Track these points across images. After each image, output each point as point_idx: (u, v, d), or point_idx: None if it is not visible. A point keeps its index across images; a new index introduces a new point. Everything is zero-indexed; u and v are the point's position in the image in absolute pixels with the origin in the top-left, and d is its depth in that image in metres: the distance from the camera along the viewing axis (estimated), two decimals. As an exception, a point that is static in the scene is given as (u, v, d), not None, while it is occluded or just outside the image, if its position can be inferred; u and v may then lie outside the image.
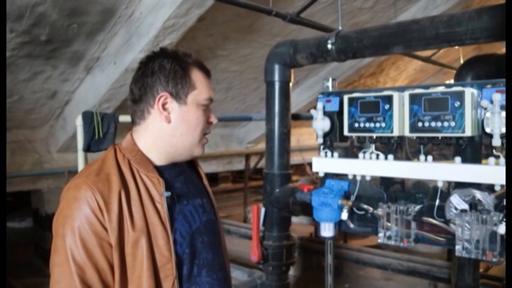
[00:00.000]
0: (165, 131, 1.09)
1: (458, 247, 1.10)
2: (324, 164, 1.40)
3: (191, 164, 1.28)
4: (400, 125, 1.19)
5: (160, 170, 1.10)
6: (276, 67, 2.43)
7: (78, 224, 0.97)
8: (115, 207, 0.99)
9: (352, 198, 1.34)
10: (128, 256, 1.00)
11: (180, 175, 1.16)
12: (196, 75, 1.11)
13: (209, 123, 1.15)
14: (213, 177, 8.83)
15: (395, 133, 1.19)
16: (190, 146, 1.12)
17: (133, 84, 1.12)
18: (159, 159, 1.11)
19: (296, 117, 3.24)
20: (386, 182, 1.31)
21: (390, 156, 1.25)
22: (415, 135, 1.18)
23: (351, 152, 1.41)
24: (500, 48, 6.15)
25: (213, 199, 1.27)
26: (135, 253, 0.99)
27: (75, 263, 0.95)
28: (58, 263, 0.97)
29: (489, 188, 1.11)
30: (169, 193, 1.05)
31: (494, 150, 1.09)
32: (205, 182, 1.28)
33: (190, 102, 1.09)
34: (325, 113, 1.40)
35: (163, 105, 1.08)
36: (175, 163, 1.15)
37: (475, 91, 1.11)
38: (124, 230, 0.99)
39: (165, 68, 1.08)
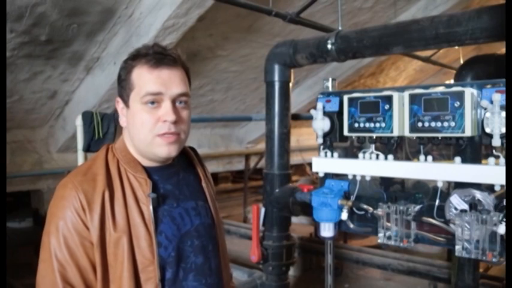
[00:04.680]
0: (128, 134, 1.11)
1: (458, 247, 1.10)
2: (324, 164, 1.40)
3: (190, 165, 1.25)
4: (400, 125, 1.19)
5: (149, 171, 1.09)
6: (276, 67, 2.43)
7: (61, 223, 0.99)
8: (97, 207, 1.00)
9: (352, 198, 1.34)
10: (110, 256, 1.00)
11: (173, 177, 1.14)
12: (138, 72, 1.05)
13: (161, 121, 1.03)
14: (213, 177, 8.77)
15: (395, 133, 1.19)
16: (146, 148, 1.07)
17: None
18: (144, 161, 1.10)
19: (296, 117, 3.24)
20: (386, 182, 1.31)
21: (390, 156, 1.25)
22: (415, 135, 1.18)
23: (350, 152, 1.41)
24: (500, 48, 6.15)
25: (211, 202, 1.23)
26: (117, 253, 1.00)
27: (57, 261, 0.98)
28: (43, 259, 1.00)
29: (489, 188, 1.11)
30: (155, 195, 1.04)
31: (494, 150, 1.09)
32: (204, 184, 1.23)
33: (132, 104, 1.06)
34: (325, 113, 1.40)
35: (121, 109, 1.11)
36: (169, 164, 1.13)
37: (475, 91, 1.11)
38: (105, 230, 1.00)
39: (119, 71, 1.11)
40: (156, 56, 1.05)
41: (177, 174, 1.16)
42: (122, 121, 1.11)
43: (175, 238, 1.07)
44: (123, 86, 1.08)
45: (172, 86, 1.04)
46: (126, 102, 1.08)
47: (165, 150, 1.05)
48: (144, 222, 1.02)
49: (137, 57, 1.07)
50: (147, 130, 1.03)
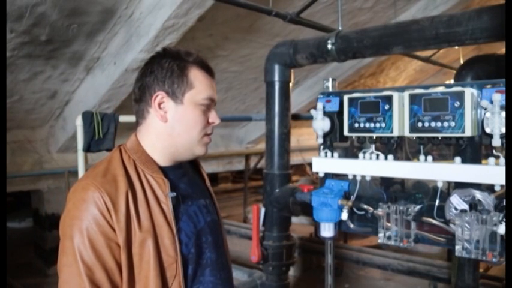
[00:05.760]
0: (164, 131, 1.10)
1: (458, 247, 1.10)
2: (324, 164, 1.40)
3: (194, 166, 1.29)
4: (400, 125, 1.19)
5: (165, 170, 1.11)
6: (276, 67, 2.43)
7: (86, 225, 0.97)
8: (122, 208, 1.00)
9: (352, 198, 1.34)
10: (135, 256, 1.01)
11: (184, 176, 1.17)
12: (195, 75, 1.11)
13: (210, 123, 1.14)
14: (213, 177, 8.84)
15: (395, 133, 1.19)
16: (190, 146, 1.12)
17: (135, 84, 1.15)
18: (162, 160, 1.12)
19: (296, 117, 3.24)
20: (386, 182, 1.31)
21: (390, 157, 1.25)
22: (415, 135, 1.18)
23: (350, 152, 1.41)
24: (500, 48, 6.15)
25: (215, 200, 1.28)
26: (142, 253, 1.00)
27: (84, 264, 0.96)
28: (66, 263, 0.98)
29: (489, 188, 1.11)
30: (174, 194, 1.06)
31: (494, 150, 1.09)
32: (208, 183, 1.29)
33: (187, 102, 1.09)
34: (325, 113, 1.40)
35: (160, 104, 1.09)
36: (179, 164, 1.16)
37: (475, 91, 1.11)
38: (131, 231, 1.00)
39: (162, 67, 1.09)
40: (206, 64, 1.15)
41: (187, 174, 1.20)
42: (161, 116, 1.09)
43: (193, 235, 1.10)
44: (175, 82, 1.09)
45: (216, 95, 1.17)
46: (177, 99, 1.09)
47: (204, 149, 1.15)
48: (167, 221, 1.05)
49: (182, 59, 1.11)
50: (200, 129, 1.11)
